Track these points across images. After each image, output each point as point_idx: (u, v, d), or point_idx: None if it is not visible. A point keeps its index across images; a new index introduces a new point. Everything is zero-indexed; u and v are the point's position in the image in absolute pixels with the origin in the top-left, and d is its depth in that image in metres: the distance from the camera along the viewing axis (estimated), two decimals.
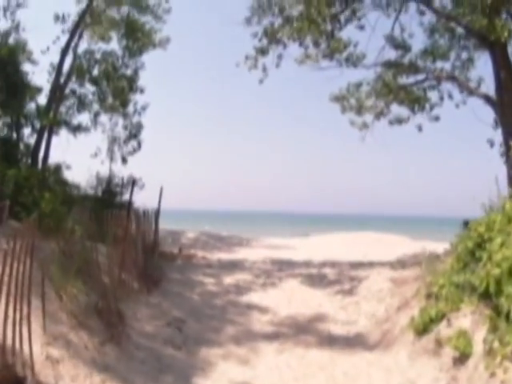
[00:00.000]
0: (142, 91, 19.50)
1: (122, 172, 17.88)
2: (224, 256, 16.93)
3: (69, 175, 15.92)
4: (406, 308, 7.82)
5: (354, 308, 9.34)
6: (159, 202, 12.74)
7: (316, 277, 12.72)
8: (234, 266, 14.55)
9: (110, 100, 19.01)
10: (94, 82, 18.49)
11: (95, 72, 18.53)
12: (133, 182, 12.92)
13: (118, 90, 18.68)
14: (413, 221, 72.82)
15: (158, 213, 12.78)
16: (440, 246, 17.53)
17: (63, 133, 17.39)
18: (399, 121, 16.33)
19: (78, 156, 19.62)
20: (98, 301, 7.07)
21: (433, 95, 15.76)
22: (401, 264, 12.96)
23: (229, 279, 12.35)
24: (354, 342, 7.50)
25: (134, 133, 19.20)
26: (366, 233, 29.11)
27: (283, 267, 14.37)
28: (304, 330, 8.12)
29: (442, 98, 15.60)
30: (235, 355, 6.93)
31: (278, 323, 8.60)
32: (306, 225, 53.81)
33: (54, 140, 16.47)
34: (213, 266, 14.42)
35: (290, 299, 10.41)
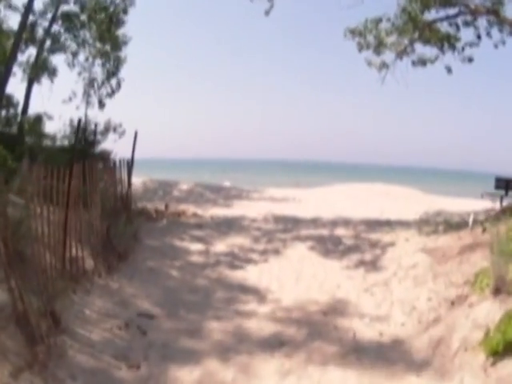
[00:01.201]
0: (123, 23, 17.25)
1: (98, 118, 15.68)
2: (219, 212, 14.56)
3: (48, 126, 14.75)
4: (462, 304, 5.49)
5: (382, 292, 7.02)
6: (133, 149, 10.28)
7: (328, 241, 10.45)
8: (229, 225, 12.24)
9: (89, 36, 16.93)
10: (68, 17, 16.49)
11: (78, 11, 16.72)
12: (79, 122, 10.38)
13: (98, 23, 16.60)
14: (414, 172, 69.85)
15: (131, 163, 10.26)
16: (458, 202, 15.63)
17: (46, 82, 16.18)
18: (423, 61, 13.93)
19: (54, 103, 18.29)
20: (16, 300, 4.78)
21: (464, 33, 13.38)
22: (430, 227, 10.66)
23: (221, 245, 10.08)
24: (392, 355, 5.16)
25: (113, 70, 16.75)
26: (373, 184, 26.46)
27: (288, 226, 12.08)
28: (319, 332, 5.77)
29: (479, 36, 13.13)
30: (218, 381, 4.67)
31: (281, 319, 6.22)
32: (303, 174, 51.28)
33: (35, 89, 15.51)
34: (204, 225, 12.10)
35: (297, 275, 8.11)
